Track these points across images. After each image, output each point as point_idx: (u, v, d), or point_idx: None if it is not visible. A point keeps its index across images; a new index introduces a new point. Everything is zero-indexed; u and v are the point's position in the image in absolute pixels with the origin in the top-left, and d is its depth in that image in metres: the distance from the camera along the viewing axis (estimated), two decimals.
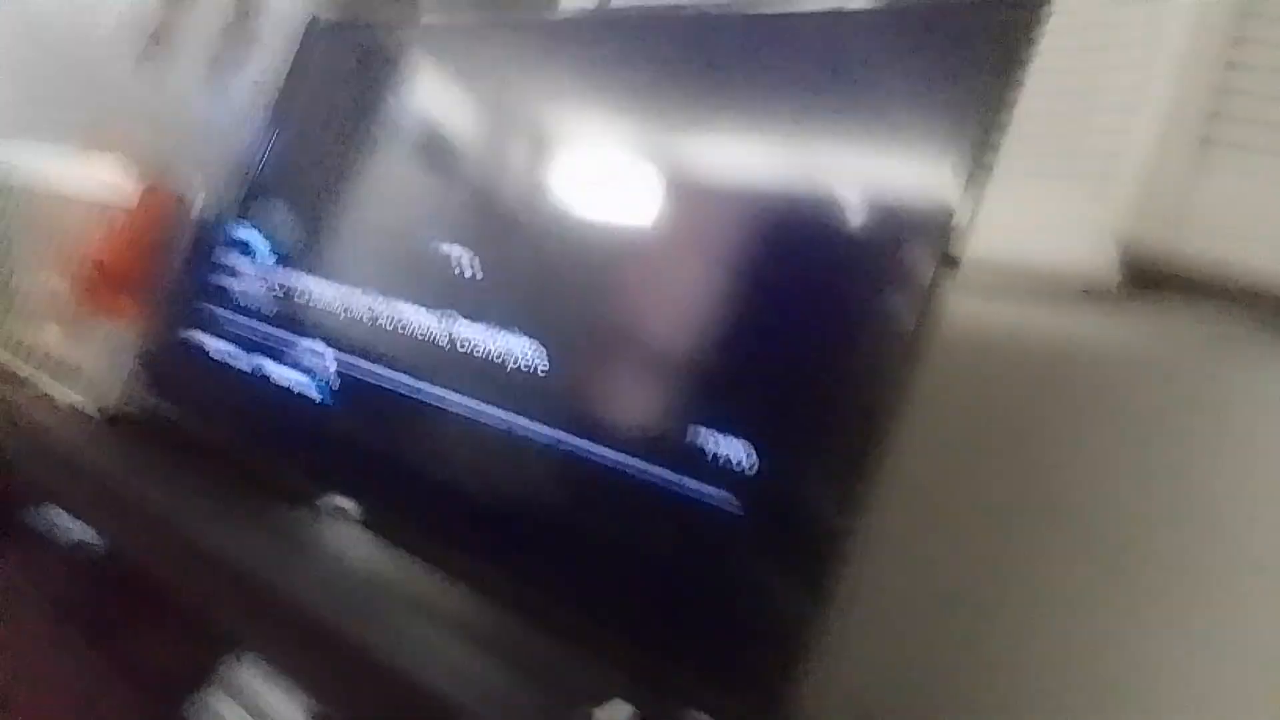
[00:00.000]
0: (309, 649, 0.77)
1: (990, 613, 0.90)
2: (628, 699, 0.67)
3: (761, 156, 0.87)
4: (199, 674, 0.86)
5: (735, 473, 0.74)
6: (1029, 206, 0.93)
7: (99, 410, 1.32)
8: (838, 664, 0.71)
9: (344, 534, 1.00)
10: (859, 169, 0.80)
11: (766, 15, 0.91)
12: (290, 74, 1.38)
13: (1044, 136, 0.94)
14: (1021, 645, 0.88)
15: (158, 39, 2.10)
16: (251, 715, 0.80)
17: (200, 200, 1.49)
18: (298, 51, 1.38)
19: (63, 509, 1.13)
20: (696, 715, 0.65)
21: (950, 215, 0.72)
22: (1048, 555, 0.89)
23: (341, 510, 1.00)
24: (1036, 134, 0.92)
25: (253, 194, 1.33)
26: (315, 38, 1.38)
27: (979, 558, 0.92)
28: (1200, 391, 0.86)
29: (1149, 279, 0.87)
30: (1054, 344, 0.94)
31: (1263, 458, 0.82)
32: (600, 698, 0.68)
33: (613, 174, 0.95)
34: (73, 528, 1.12)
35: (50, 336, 1.56)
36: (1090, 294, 0.92)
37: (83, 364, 1.43)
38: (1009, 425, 0.95)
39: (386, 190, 1.19)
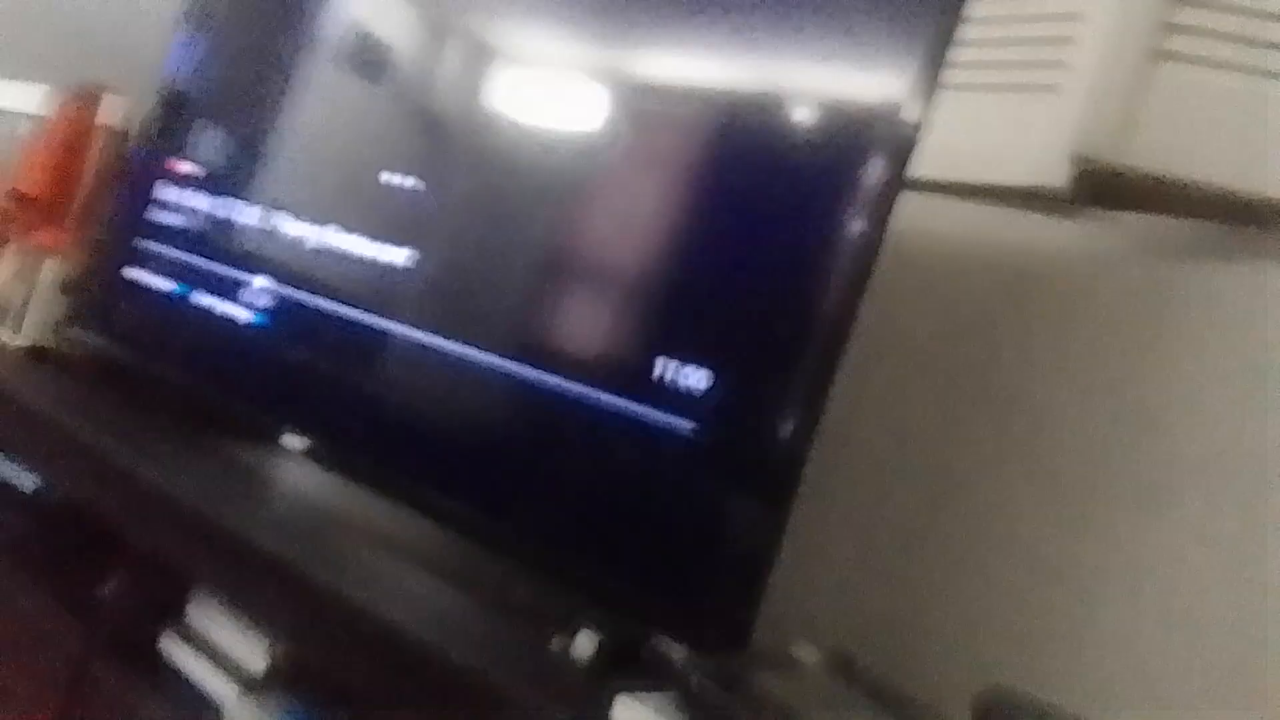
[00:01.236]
0: (265, 585, 0.76)
1: (947, 527, 0.92)
2: (592, 626, 0.67)
3: (713, 71, 0.85)
4: (159, 616, 0.85)
5: (693, 398, 0.74)
6: (982, 120, 0.92)
7: (30, 344, 1.28)
8: (800, 589, 0.72)
9: (295, 468, 0.98)
10: (812, 84, 0.78)
11: None
12: None
13: (995, 49, 0.92)
14: (978, 559, 0.90)
15: None
16: (210, 654, 0.80)
17: (126, 119, 1.44)
18: None
19: (5, 455, 1.10)
20: (660, 639, 0.66)
21: (905, 129, 0.71)
22: (1004, 468, 0.91)
23: (291, 444, 0.98)
24: (988, 47, 0.91)
25: (179, 113, 1.28)
26: None
27: (935, 472, 0.94)
28: (1150, 298, 0.87)
29: (1100, 189, 0.87)
30: (1008, 255, 0.95)
31: (1210, 362, 0.83)
32: (565, 626, 0.68)
33: (560, 88, 0.92)
34: (18, 473, 1.09)
35: None
36: (1042, 204, 0.92)
37: (13, 300, 1.38)
38: (964, 337, 0.95)
39: (320, 108, 1.15)
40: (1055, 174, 0.87)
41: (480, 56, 1.01)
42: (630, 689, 0.62)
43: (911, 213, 0.76)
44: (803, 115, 0.78)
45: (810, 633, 0.77)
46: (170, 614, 0.86)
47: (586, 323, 0.85)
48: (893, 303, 0.86)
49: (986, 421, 0.93)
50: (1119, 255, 0.90)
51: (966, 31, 0.72)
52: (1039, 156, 0.88)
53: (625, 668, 0.66)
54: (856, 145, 0.73)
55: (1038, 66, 0.90)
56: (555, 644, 0.68)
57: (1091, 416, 0.88)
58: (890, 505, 0.95)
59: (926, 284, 0.97)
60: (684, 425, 0.74)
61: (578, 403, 0.80)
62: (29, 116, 1.60)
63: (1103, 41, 0.86)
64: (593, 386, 0.79)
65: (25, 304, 1.35)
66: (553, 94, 0.92)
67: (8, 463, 1.11)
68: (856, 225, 0.71)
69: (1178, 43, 0.84)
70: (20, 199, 1.48)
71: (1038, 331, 0.92)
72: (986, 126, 0.92)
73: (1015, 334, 0.93)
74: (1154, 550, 0.82)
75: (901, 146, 0.71)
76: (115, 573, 0.91)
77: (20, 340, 1.30)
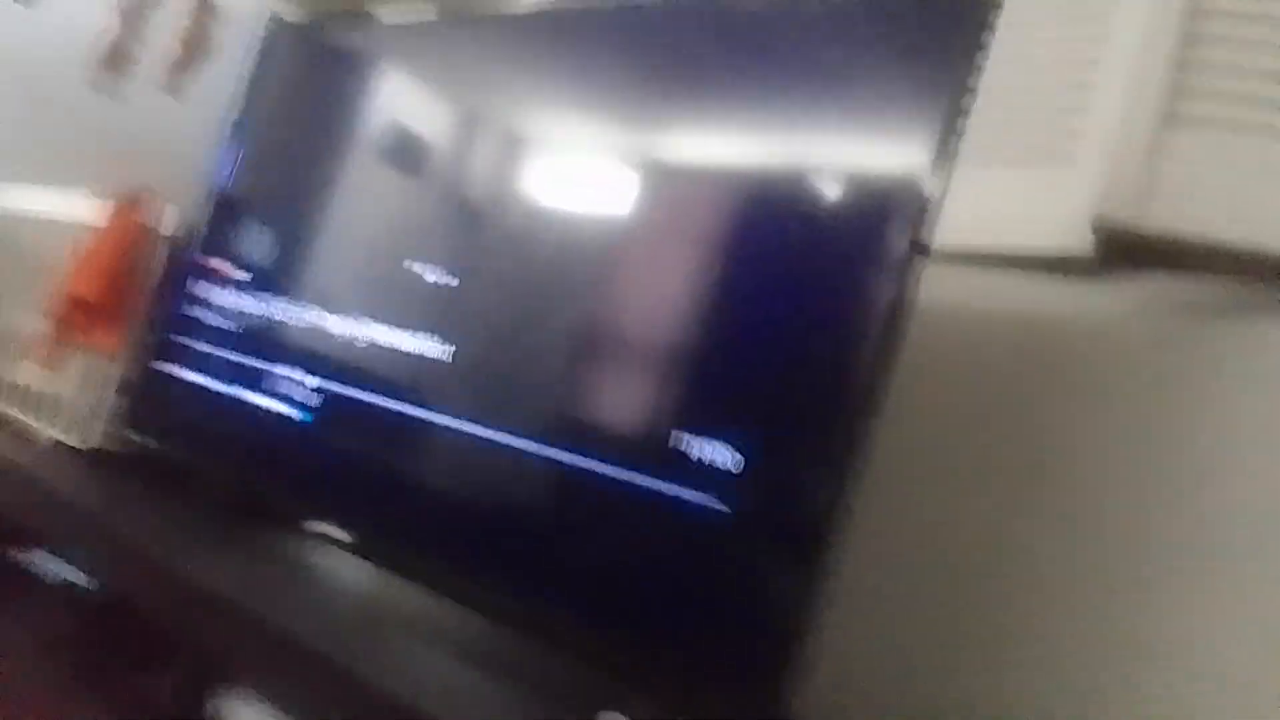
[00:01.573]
0: (301, 678, 0.77)
1: (988, 602, 0.91)
2: (623, 707, 0.67)
3: (731, 152, 0.86)
4: (193, 708, 0.85)
5: (720, 474, 0.74)
6: (1002, 190, 0.93)
7: (82, 446, 1.31)
8: (834, 660, 0.71)
9: (332, 559, 0.99)
10: (828, 159, 0.80)
11: (732, 7, 0.90)
12: (253, 80, 1.36)
13: (1009, 118, 0.94)
14: (1016, 628, 0.88)
15: (112, 59, 2.07)
16: None
17: (172, 224, 1.48)
18: (259, 56, 1.36)
19: (49, 549, 1.12)
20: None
21: (921, 200, 0.72)
22: (1036, 532, 0.89)
23: (329, 536, 1.00)
24: (1002, 115, 0.92)
25: (222, 216, 1.32)
26: (276, 40, 1.36)
27: (973, 544, 0.92)
28: (1180, 356, 0.87)
29: (1122, 252, 0.87)
30: (1033, 320, 0.94)
31: (1246, 417, 0.82)
32: (595, 707, 0.67)
33: (583, 173, 0.95)
34: (61, 567, 1.11)
35: (29, 373, 1.55)
36: (1066, 269, 0.92)
37: (63, 399, 1.42)
38: (992, 405, 0.95)
39: (357, 205, 1.18)
40: (1078, 239, 0.88)
41: (507, 146, 1.04)
42: None
43: (935, 285, 0.77)
44: (823, 190, 0.79)
45: (850, 705, 0.76)
46: (202, 706, 0.86)
47: (617, 404, 0.86)
48: (920, 374, 0.86)
49: (1023, 489, 0.91)
50: (1146, 316, 0.89)
51: (982, 102, 0.73)
52: (1061, 223, 0.89)
53: None
54: (877, 218, 0.75)
55: (1054, 135, 0.92)
56: None
57: (1130, 478, 0.87)
58: (928, 581, 0.94)
59: (954, 355, 0.97)
60: (714, 504, 0.74)
61: (610, 483, 0.80)
62: (78, 224, 1.65)
63: (1117, 108, 0.87)
64: (624, 467, 0.80)
65: (78, 405, 1.39)
66: (577, 179, 0.95)
67: (53, 558, 1.14)
68: (881, 297, 0.72)
69: (1190, 107, 0.85)
70: (81, 305, 1.52)
71: (1070, 396, 0.91)
72: (1006, 196, 0.93)
73: (1047, 399, 0.92)
74: (1205, 611, 0.80)
75: (921, 218, 0.72)
76: (150, 667, 0.92)
77: (72, 439, 1.33)
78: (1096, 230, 0.86)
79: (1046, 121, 0.93)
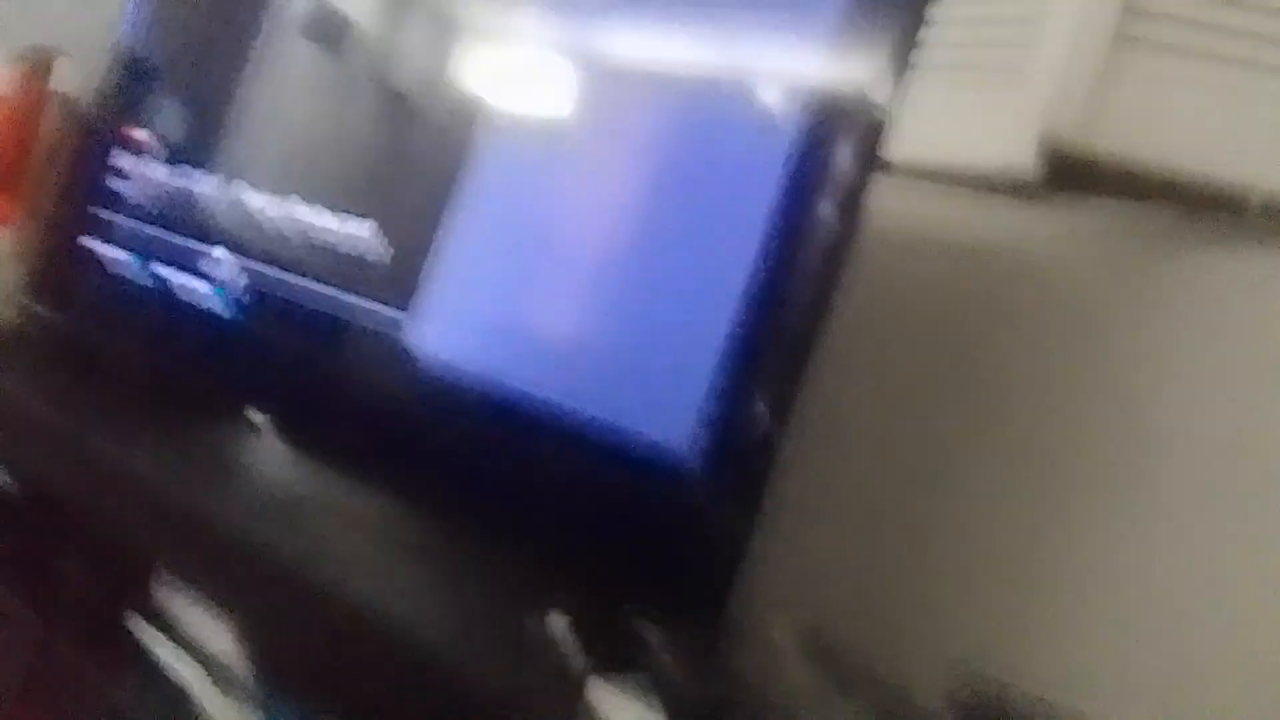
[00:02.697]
0: (233, 569, 0.76)
1: (922, 513, 0.93)
2: (564, 608, 0.68)
3: (681, 54, 0.84)
4: (125, 601, 0.84)
5: (666, 384, 0.74)
6: (950, 105, 0.93)
7: None
8: (774, 569, 0.73)
9: (262, 448, 0.97)
10: (779, 65, 0.78)
11: None
12: None
13: (965, 32, 0.93)
14: (953, 545, 0.91)
15: None
16: (179, 640, 0.79)
17: (79, 87, 1.40)
18: None
19: None
20: (636, 620, 0.66)
21: (876, 115, 0.71)
22: (977, 452, 0.92)
23: (257, 423, 0.97)
24: (955, 32, 0.91)
25: (133, 79, 1.25)
26: None
27: (909, 457, 0.95)
28: (1121, 283, 0.89)
29: (1068, 175, 0.88)
30: (979, 241, 0.95)
31: (1181, 350, 0.85)
32: (536, 607, 0.68)
33: (514, 61, 0.91)
34: None
35: None
36: (1012, 190, 0.92)
37: None
38: (937, 324, 0.96)
39: (278, 75, 1.12)
40: (1023, 159, 0.88)
41: (441, 27, 1.00)
42: (602, 669, 0.62)
43: (883, 198, 0.76)
44: (774, 101, 0.77)
45: (789, 609, 0.78)
46: (134, 596, 0.85)
47: (554, 309, 0.85)
48: (866, 287, 0.87)
49: (962, 404, 0.94)
50: (1090, 240, 0.91)
51: (936, 15, 0.72)
52: (1007, 141, 0.89)
53: (598, 648, 0.66)
54: (826, 128, 0.73)
55: (1006, 50, 0.91)
56: (528, 624, 0.68)
57: (1065, 400, 0.89)
58: (867, 487, 0.96)
59: (898, 268, 0.97)
60: (656, 411, 0.74)
61: (547, 388, 0.79)
62: None
63: (1069, 26, 0.87)
64: (562, 373, 0.79)
65: None
66: (507, 66, 0.91)
67: None
68: (829, 211, 0.71)
69: (1144, 28, 0.85)
70: None
71: (1011, 315, 0.93)
72: (956, 111, 0.93)
73: (988, 317, 0.94)
74: (1130, 534, 0.84)
75: (872, 130, 0.71)
76: (76, 556, 0.90)
77: None
78: (1043, 151, 0.86)
79: (999, 36, 0.92)
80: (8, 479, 1.02)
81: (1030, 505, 0.88)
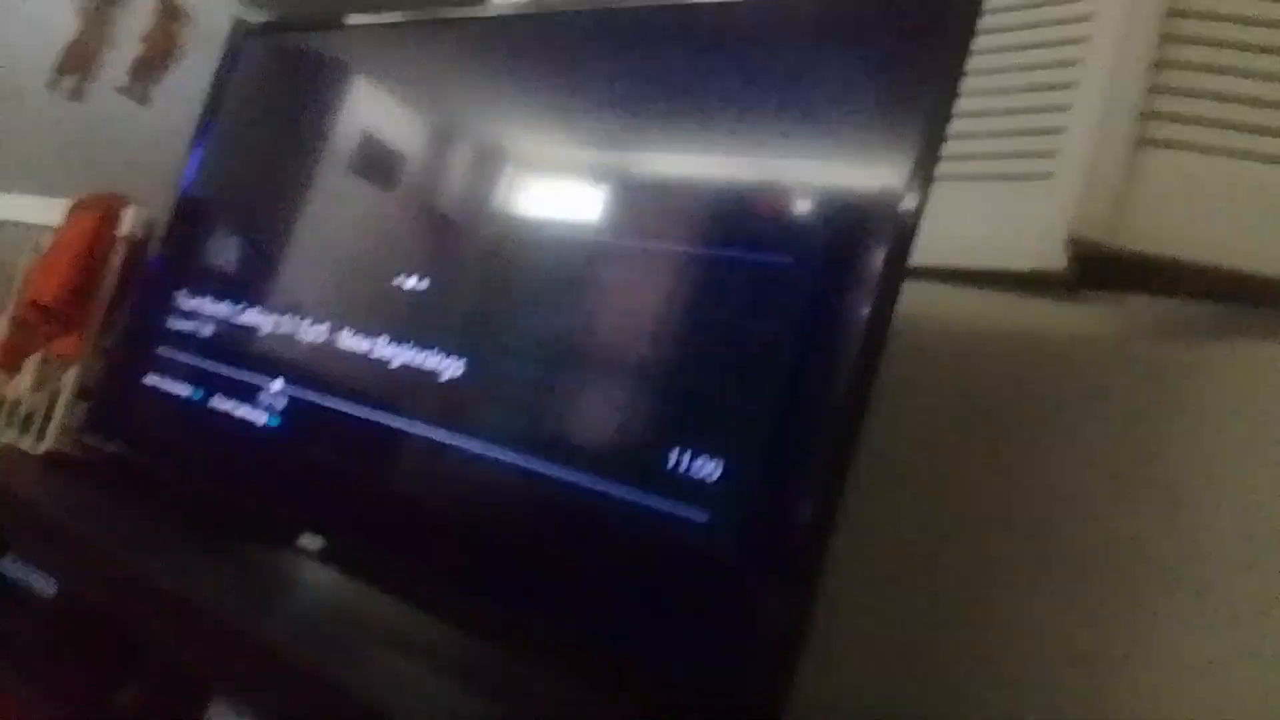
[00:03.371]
0: (281, 690, 0.76)
1: (969, 618, 0.92)
2: None
3: (714, 169, 0.87)
4: None
5: (704, 490, 0.75)
6: (980, 208, 0.94)
7: (41, 451, 1.30)
8: (820, 673, 0.72)
9: (310, 570, 0.98)
10: (809, 177, 0.81)
11: (713, 22, 0.91)
12: (219, 84, 1.34)
13: (989, 140, 0.95)
14: (1002, 648, 0.89)
15: (75, 62, 2.05)
16: None
17: (139, 228, 1.47)
18: (226, 59, 1.34)
19: (12, 556, 1.11)
20: None
21: (902, 219, 0.73)
22: (1017, 547, 0.91)
23: (302, 546, 0.99)
24: (983, 137, 0.94)
25: (189, 221, 1.31)
26: (243, 44, 1.34)
27: (951, 553, 0.94)
28: (1156, 378, 0.88)
29: (1098, 272, 0.89)
30: (1008, 338, 0.96)
31: (1223, 439, 0.84)
32: None
33: (558, 184, 0.95)
34: (25, 573, 1.10)
35: None
36: (1043, 288, 0.93)
37: (22, 404, 1.40)
38: (971, 421, 0.96)
39: (327, 211, 1.17)
40: (1053, 257, 0.89)
41: (481, 153, 1.04)
42: None
43: (915, 302, 0.78)
44: (803, 206, 0.80)
45: (844, 711, 0.76)
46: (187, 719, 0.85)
47: (596, 417, 0.86)
48: (898, 390, 0.87)
49: (1002, 503, 0.93)
50: (1122, 336, 0.91)
51: (961, 122, 0.75)
52: (1037, 241, 0.90)
53: None
54: (857, 234, 0.76)
55: (1031, 155, 0.93)
56: None
57: (1107, 499, 0.88)
58: (911, 595, 0.95)
59: (934, 372, 0.98)
60: (698, 518, 0.74)
61: (591, 496, 0.80)
62: (46, 229, 1.63)
63: (1092, 129, 0.89)
64: (606, 479, 0.80)
65: (46, 413, 1.37)
66: (552, 190, 0.95)
67: (26, 568, 1.12)
68: (860, 313, 0.73)
69: (1164, 129, 0.87)
70: (40, 309, 1.50)
71: (1048, 415, 0.93)
72: (984, 215, 0.94)
73: (1025, 417, 0.94)
74: (1182, 632, 0.82)
75: (901, 236, 0.73)
76: (132, 680, 0.90)
77: (37, 446, 1.31)
78: (1071, 248, 0.88)
79: (1023, 140, 0.94)
80: (65, 601, 1.04)
81: (1083, 608, 0.86)
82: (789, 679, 0.68)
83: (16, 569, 1.12)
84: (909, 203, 0.73)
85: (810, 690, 0.69)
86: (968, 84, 0.74)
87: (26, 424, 1.35)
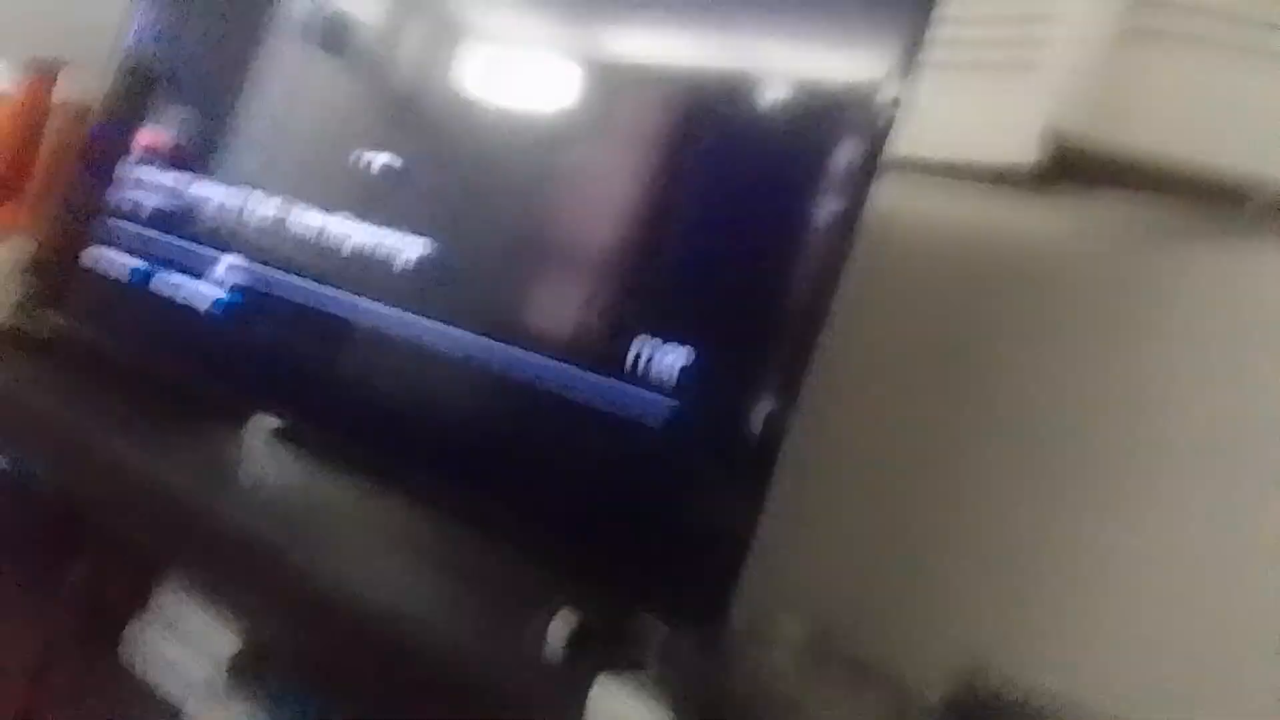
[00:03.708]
0: (241, 570, 0.76)
1: (926, 506, 0.93)
2: (574, 607, 0.67)
3: (688, 49, 0.84)
4: (132, 601, 0.84)
5: (670, 376, 0.74)
6: (956, 100, 0.92)
7: None
8: (779, 569, 0.72)
9: (269, 450, 0.97)
10: (790, 61, 0.78)
11: None
12: None
13: (972, 26, 0.92)
14: (957, 538, 0.91)
15: None
16: (186, 641, 0.79)
17: (91, 98, 1.41)
18: None
19: None
20: (641, 618, 0.66)
21: (882, 106, 0.71)
22: (981, 450, 0.91)
23: (265, 427, 0.97)
24: (962, 28, 0.91)
25: (146, 90, 1.25)
26: None
27: (913, 455, 0.94)
28: (1126, 278, 0.88)
29: (1074, 168, 0.87)
30: (984, 234, 0.95)
31: (1189, 342, 0.84)
32: (545, 606, 0.68)
33: (531, 62, 0.91)
34: None
35: None
36: (1017, 183, 0.92)
37: None
38: (941, 318, 0.96)
39: (286, 82, 1.13)
40: (1028, 151, 0.88)
41: (449, 31, 1.00)
42: (609, 668, 0.62)
43: (889, 192, 0.76)
44: (780, 92, 0.77)
45: (793, 608, 0.77)
46: (138, 599, 0.85)
47: (562, 302, 0.85)
48: (871, 281, 0.86)
49: (967, 399, 0.93)
50: (1094, 233, 0.90)
51: (943, 11, 0.72)
52: (1013, 134, 0.88)
53: (604, 648, 0.65)
54: (834, 122, 0.73)
55: (1013, 44, 0.91)
56: (534, 624, 0.68)
57: (1068, 396, 0.89)
58: (873, 482, 0.95)
59: (904, 262, 0.97)
60: (661, 402, 0.74)
61: (555, 381, 0.79)
62: None
63: (1076, 20, 0.86)
64: (569, 365, 0.79)
65: None
66: (523, 71, 0.91)
67: None
68: (833, 203, 0.71)
69: (1154, 19, 0.84)
70: None
71: (1017, 309, 0.92)
72: (962, 104, 0.92)
73: (995, 312, 0.93)
74: (1135, 531, 0.83)
75: (879, 124, 0.71)
76: (82, 557, 0.90)
77: None
78: (1048, 144, 0.86)
79: (1007, 27, 0.91)
80: (15, 475, 1.02)
81: (1035, 503, 0.87)
82: (739, 566, 0.68)
83: None
84: (889, 91, 0.71)
85: (763, 579, 0.70)
86: None
87: None
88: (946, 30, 0.74)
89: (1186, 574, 0.80)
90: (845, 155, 0.72)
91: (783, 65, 0.78)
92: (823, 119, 0.74)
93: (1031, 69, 0.88)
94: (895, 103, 0.70)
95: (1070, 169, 0.87)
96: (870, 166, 0.71)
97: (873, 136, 0.71)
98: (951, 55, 0.90)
